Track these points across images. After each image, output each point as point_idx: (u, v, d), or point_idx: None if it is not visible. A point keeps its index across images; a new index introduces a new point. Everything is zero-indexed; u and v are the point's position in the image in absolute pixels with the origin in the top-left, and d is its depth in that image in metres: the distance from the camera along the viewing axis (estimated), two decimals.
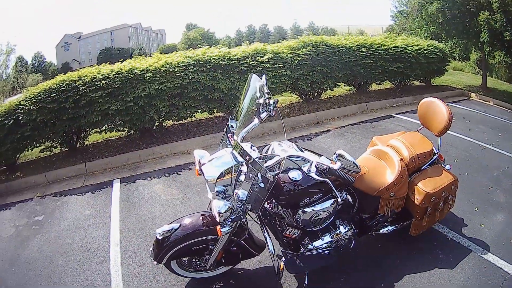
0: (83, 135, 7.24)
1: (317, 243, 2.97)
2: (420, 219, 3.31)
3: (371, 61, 8.87)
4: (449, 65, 12.06)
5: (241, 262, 3.29)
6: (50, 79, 6.88)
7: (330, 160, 2.72)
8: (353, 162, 2.56)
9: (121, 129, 7.10)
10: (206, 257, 3.07)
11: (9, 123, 6.35)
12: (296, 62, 7.78)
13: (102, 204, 5.24)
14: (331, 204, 2.81)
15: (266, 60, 7.28)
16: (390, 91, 10.44)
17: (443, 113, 3.50)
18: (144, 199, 5.19)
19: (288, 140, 2.92)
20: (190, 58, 6.82)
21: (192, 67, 6.73)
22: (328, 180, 2.66)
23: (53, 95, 6.26)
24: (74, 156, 6.93)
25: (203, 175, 2.64)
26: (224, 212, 2.48)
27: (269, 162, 2.60)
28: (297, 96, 9.10)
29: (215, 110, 7.65)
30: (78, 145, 7.24)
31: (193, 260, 3.18)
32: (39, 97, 6.31)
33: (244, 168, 2.58)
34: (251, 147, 2.70)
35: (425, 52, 10.09)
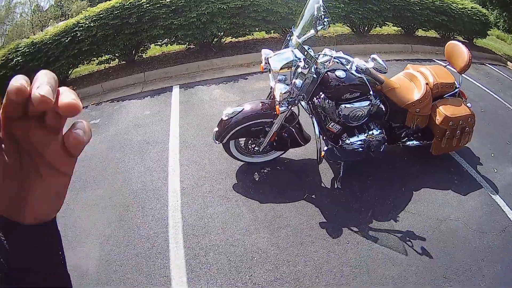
0: (142, 48, 7.77)
1: (353, 139, 3.71)
2: (440, 140, 3.97)
3: (418, 8, 9.20)
4: (490, 30, 12.22)
5: (289, 152, 4.05)
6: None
7: (365, 62, 3.33)
8: (383, 64, 3.23)
9: (182, 42, 7.64)
10: (261, 139, 3.74)
11: (66, 41, 6.76)
12: None
13: (162, 105, 5.70)
14: (367, 105, 3.54)
15: None
16: (435, 40, 10.66)
17: (464, 54, 4.07)
18: (203, 101, 5.70)
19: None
20: None
21: None
22: (364, 77, 3.41)
23: (116, 12, 6.70)
24: (132, 68, 7.41)
25: (269, 66, 3.36)
26: (284, 92, 3.17)
27: (321, 59, 3.32)
28: (348, 28, 9.59)
29: (272, 31, 8.14)
30: (136, 58, 7.77)
31: (249, 142, 3.87)
32: (101, 15, 6.74)
33: (301, 63, 3.23)
34: (308, 48, 3.25)
35: (469, 12, 10.35)
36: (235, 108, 3.54)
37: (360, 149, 3.77)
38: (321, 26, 3.21)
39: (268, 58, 3.44)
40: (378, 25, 9.56)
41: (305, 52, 3.20)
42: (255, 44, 8.20)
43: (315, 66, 3.28)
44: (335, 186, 3.82)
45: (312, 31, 3.36)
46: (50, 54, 6.83)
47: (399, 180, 4.05)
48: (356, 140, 3.71)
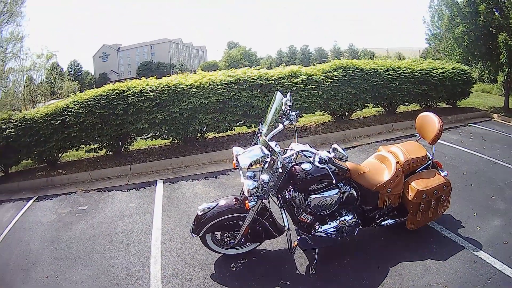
0: (128, 140, 8.55)
1: (326, 227, 3.96)
2: (415, 214, 4.19)
3: (397, 84, 9.97)
4: (473, 87, 12.90)
5: (264, 244, 4.38)
6: (87, 88, 8.28)
7: (328, 152, 3.68)
8: (343, 153, 3.57)
9: (166, 137, 8.39)
10: (236, 232, 4.08)
11: (56, 123, 7.62)
12: (327, 83, 8.99)
13: (146, 199, 6.29)
14: (336, 193, 3.86)
15: (300, 81, 8.55)
16: (417, 112, 11.20)
17: (434, 124, 4.38)
18: (185, 196, 6.23)
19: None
20: (232, 77, 8.15)
21: (233, 85, 8.03)
22: (327, 167, 3.66)
23: (103, 101, 7.52)
24: (118, 159, 8.23)
25: (238, 164, 3.72)
26: (252, 188, 3.58)
27: (287, 154, 3.74)
28: (329, 115, 10.36)
29: (253, 125, 8.74)
30: (122, 150, 8.52)
31: (225, 235, 4.20)
32: (89, 102, 7.59)
33: (268, 159, 3.66)
34: (275, 145, 3.68)
35: (450, 74, 11.06)
36: (209, 204, 3.94)
37: (333, 235, 3.98)
38: (288, 121, 3.77)
39: (237, 155, 3.80)
40: (358, 108, 10.27)
41: (271, 149, 3.62)
42: (236, 139, 9.01)
43: (281, 161, 3.61)
44: (310, 272, 4.00)
45: (280, 126, 3.84)
46: (41, 134, 7.65)
47: (376, 258, 4.21)
48: (328, 228, 3.95)
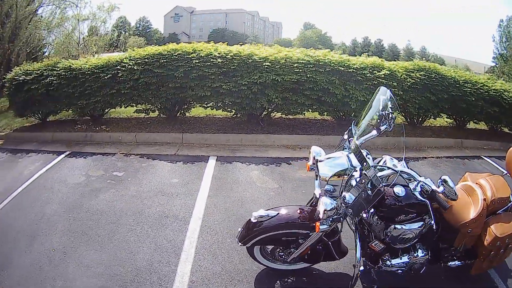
0: (186, 106, 7.70)
1: (395, 261, 3.27)
2: (484, 260, 3.56)
3: (473, 99, 8.99)
4: None
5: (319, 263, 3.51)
6: (154, 45, 7.51)
7: (433, 183, 2.87)
8: (454, 190, 2.80)
9: (229, 109, 7.40)
10: (291, 249, 3.33)
11: (106, 77, 6.79)
12: (409, 84, 7.88)
13: (193, 176, 5.40)
14: (419, 227, 3.09)
15: (382, 75, 7.29)
16: (484, 133, 10.51)
17: None
18: (238, 181, 5.33)
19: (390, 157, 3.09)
20: (311, 57, 6.93)
21: (311, 66, 6.84)
22: (428, 202, 2.92)
23: (162, 60, 6.64)
24: (171, 125, 7.32)
25: (317, 171, 3.03)
26: (330, 210, 2.78)
27: (382, 173, 2.89)
28: (402, 118, 9.40)
29: (325, 113, 7.80)
30: (178, 115, 7.63)
31: (277, 250, 3.46)
32: (146, 60, 6.71)
33: (356, 174, 2.88)
34: (366, 155, 2.93)
35: None
36: (268, 212, 3.17)
37: (400, 271, 3.36)
38: (385, 127, 2.96)
39: (317, 160, 3.10)
40: (432, 116, 9.30)
41: (364, 162, 2.86)
42: (305, 124, 7.88)
43: (374, 181, 2.81)
44: None
45: (374, 132, 3.06)
46: (86, 86, 6.85)
47: None
48: (398, 262, 3.29)
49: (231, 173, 5.58)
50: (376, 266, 3.33)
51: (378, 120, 3.03)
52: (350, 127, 3.26)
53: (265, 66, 6.74)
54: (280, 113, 7.72)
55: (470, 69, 33.74)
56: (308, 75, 6.90)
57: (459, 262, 3.74)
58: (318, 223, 2.87)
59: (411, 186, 2.95)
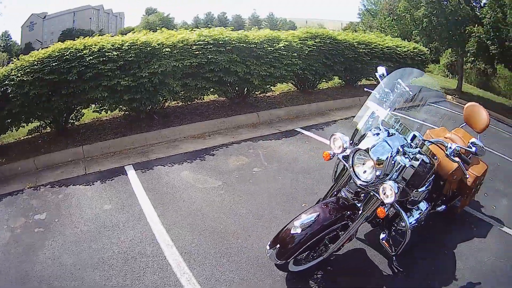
0: (75, 113, 7.31)
1: (409, 221, 3.59)
2: (467, 198, 4.68)
3: (368, 58, 10.60)
4: (428, 67, 13.89)
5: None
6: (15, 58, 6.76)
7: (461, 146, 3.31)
8: (483, 147, 3.29)
9: (124, 108, 7.43)
10: (322, 248, 3.55)
11: None
12: (306, 52, 8.90)
13: (124, 196, 5.07)
14: (428, 185, 3.73)
15: (282, 47, 8.25)
16: (375, 86, 11.77)
17: (484, 115, 4.71)
18: (176, 188, 5.26)
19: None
20: (209, 37, 7.41)
21: (211, 46, 7.37)
22: (459, 162, 3.29)
23: (53, 64, 6.24)
24: (65, 139, 6.95)
25: (370, 155, 3.10)
26: (397, 192, 2.95)
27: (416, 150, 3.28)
28: (291, 85, 10.45)
29: (226, 94, 8.51)
30: (68, 126, 7.30)
31: (312, 252, 3.59)
32: (35, 66, 6.26)
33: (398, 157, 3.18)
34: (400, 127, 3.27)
35: (412, 54, 12.20)
36: (308, 217, 3.24)
37: (412, 228, 3.63)
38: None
39: (344, 149, 3.34)
40: (329, 80, 10.76)
41: (410, 138, 3.20)
42: (196, 109, 8.42)
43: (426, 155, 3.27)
44: (395, 270, 3.80)
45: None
46: None
47: (437, 245, 4.35)
48: (411, 221, 3.61)
49: (161, 181, 5.51)
50: (392, 231, 3.83)
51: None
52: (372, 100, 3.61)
53: (165, 53, 6.93)
54: (179, 101, 8.19)
55: (324, 27, 36.54)
56: (209, 56, 7.40)
57: (445, 206, 4.55)
58: (381, 208, 3.14)
59: (448, 151, 3.23)
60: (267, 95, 9.67)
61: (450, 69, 23.06)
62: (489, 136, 8.85)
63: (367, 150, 3.12)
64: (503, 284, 3.94)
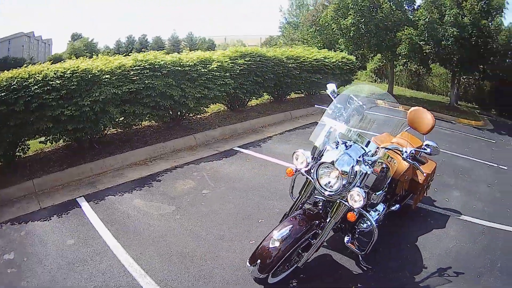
0: (21, 146, 7.35)
1: (369, 223, 4.05)
2: (419, 194, 5.36)
3: (297, 72, 11.51)
4: (356, 75, 14.99)
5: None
6: None
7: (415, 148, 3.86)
8: (437, 147, 3.68)
9: (67, 139, 7.54)
10: (295, 258, 4.01)
11: None
12: (237, 71, 9.68)
13: (83, 229, 5.21)
14: (384, 188, 4.25)
15: (215, 68, 9.01)
16: (304, 100, 12.93)
17: (429, 117, 5.32)
18: (132, 217, 5.50)
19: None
20: (145, 62, 8.00)
21: (147, 71, 7.88)
22: (415, 164, 3.82)
23: (2, 94, 6.20)
24: (13, 172, 6.92)
25: (314, 174, 3.71)
26: (365, 197, 3.49)
27: (376, 156, 3.79)
28: (222, 105, 11.15)
29: (164, 119, 9.03)
30: (16, 158, 7.34)
31: (286, 263, 3.97)
32: None
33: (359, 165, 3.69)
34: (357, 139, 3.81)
35: (340, 64, 13.20)
36: (282, 231, 3.60)
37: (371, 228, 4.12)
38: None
39: (308, 164, 3.81)
40: (259, 97, 11.49)
41: (367, 148, 3.70)
42: (135, 136, 8.77)
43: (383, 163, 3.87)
44: (365, 268, 4.29)
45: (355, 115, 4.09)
46: None
47: (399, 240, 4.97)
48: (370, 223, 3.96)
49: (116, 211, 5.70)
50: (355, 233, 4.23)
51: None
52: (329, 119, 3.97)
53: (105, 80, 7.25)
54: (117, 129, 8.72)
55: (243, 43, 38.30)
56: (146, 82, 7.84)
57: (399, 205, 5.10)
58: (351, 213, 3.58)
59: (404, 154, 3.67)
60: (199, 116, 10.21)
61: (377, 74, 25.16)
62: (431, 134, 10.20)
63: (332, 163, 3.58)
64: (474, 262, 4.60)
